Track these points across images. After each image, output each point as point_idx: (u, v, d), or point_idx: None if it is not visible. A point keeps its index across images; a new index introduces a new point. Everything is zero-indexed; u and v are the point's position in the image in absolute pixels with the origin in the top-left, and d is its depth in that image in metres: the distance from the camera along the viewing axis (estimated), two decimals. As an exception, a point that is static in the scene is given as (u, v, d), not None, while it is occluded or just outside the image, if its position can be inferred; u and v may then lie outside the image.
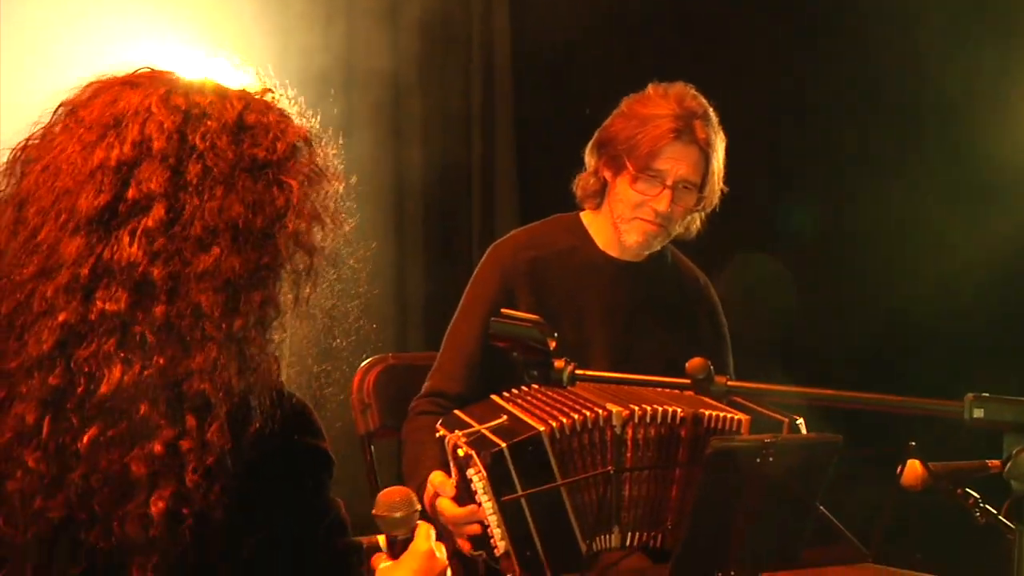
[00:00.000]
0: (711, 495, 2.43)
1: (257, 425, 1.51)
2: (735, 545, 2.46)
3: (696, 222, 3.11)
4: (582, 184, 3.11)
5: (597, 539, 2.68)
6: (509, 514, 2.60)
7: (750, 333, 3.64)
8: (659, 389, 2.74)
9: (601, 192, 3.09)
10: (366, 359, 3.23)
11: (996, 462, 2.72)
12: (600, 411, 2.66)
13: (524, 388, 2.81)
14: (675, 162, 2.96)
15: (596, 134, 3.09)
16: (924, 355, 4.45)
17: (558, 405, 2.71)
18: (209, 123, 1.59)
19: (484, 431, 2.63)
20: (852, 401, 2.03)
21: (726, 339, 3.21)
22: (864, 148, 4.69)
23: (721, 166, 3.04)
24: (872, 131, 4.71)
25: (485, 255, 3.13)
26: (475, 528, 2.66)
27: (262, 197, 1.58)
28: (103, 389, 1.48)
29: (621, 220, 3.03)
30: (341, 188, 1.68)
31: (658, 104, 2.99)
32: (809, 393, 2.09)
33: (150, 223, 1.53)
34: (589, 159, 3.10)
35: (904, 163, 4.60)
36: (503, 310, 2.27)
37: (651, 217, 2.99)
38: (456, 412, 2.78)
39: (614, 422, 2.66)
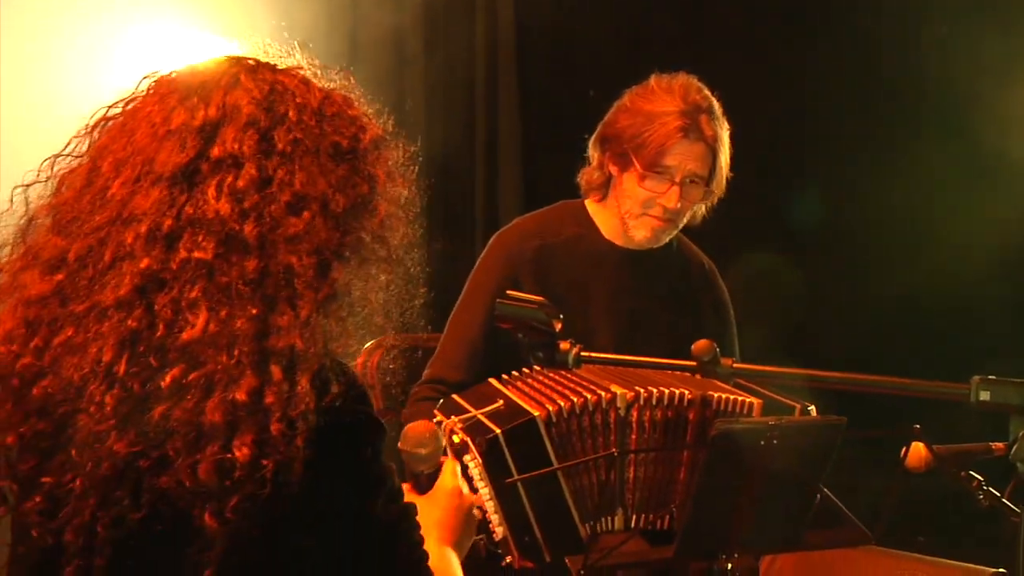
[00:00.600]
0: (715, 477, 2.43)
1: (334, 392, 1.53)
2: (738, 527, 2.46)
3: (702, 208, 3.10)
4: (587, 177, 3.10)
5: (600, 522, 2.68)
6: (506, 500, 2.59)
7: (756, 321, 3.64)
8: (667, 372, 2.73)
9: (606, 184, 3.07)
10: (369, 341, 3.22)
11: (1000, 445, 2.72)
12: (603, 393, 2.65)
13: (525, 371, 2.80)
14: (683, 158, 2.95)
15: (599, 128, 3.07)
16: (930, 342, 4.45)
17: (558, 388, 2.70)
18: (297, 99, 1.62)
19: (480, 416, 2.62)
20: (858, 383, 2.03)
21: (732, 325, 3.19)
22: (867, 136, 4.67)
23: (727, 157, 3.02)
24: (875, 119, 4.69)
25: (490, 243, 3.11)
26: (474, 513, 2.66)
27: (346, 181, 1.60)
28: (186, 335, 1.49)
29: (630, 216, 3.02)
30: (406, 192, 1.71)
31: (663, 100, 2.96)
32: (815, 376, 2.09)
33: (240, 183, 1.55)
34: (593, 152, 3.08)
35: (908, 151, 4.58)
36: (508, 292, 2.26)
37: (660, 214, 2.99)
38: (454, 397, 2.77)
39: (618, 404, 2.66)
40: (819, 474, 2.50)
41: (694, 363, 2.08)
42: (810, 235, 4.63)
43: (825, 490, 2.55)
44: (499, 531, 2.61)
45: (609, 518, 2.68)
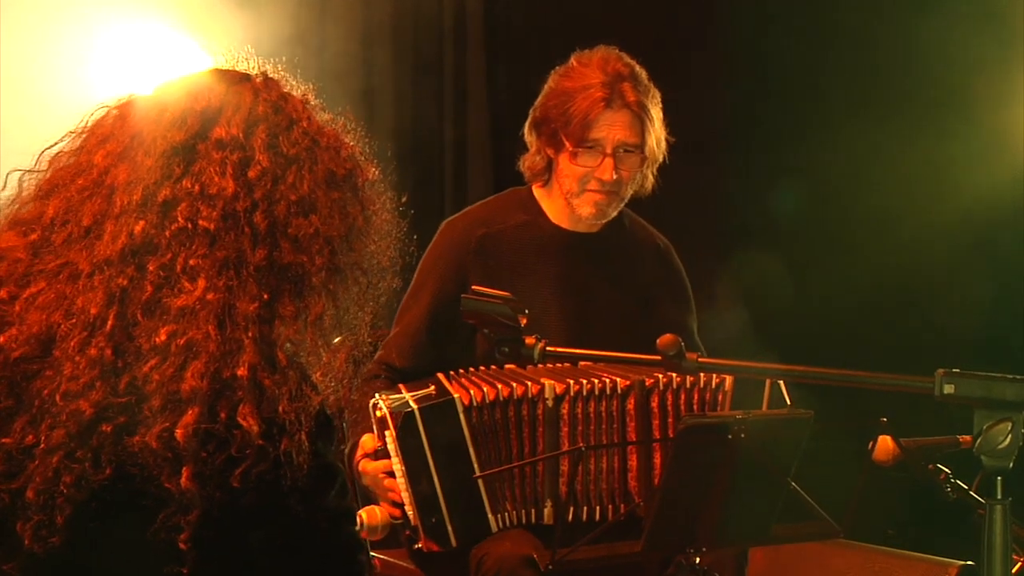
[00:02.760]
0: (682, 471, 2.42)
1: (318, 400, 1.55)
2: (706, 521, 2.46)
3: (649, 179, 3.09)
4: (528, 164, 3.10)
5: (520, 514, 2.69)
6: (416, 478, 2.62)
7: (725, 314, 3.64)
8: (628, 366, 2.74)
9: (548, 168, 3.07)
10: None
11: (967, 438, 2.72)
12: (530, 384, 2.68)
13: (471, 369, 2.82)
14: (610, 128, 2.95)
15: (531, 113, 3.08)
16: (897, 332, 4.47)
17: (492, 380, 2.72)
18: (303, 115, 1.65)
19: (408, 397, 2.66)
20: (824, 377, 2.03)
21: (690, 304, 3.19)
22: (838, 128, 4.67)
23: (659, 122, 3.02)
24: (844, 111, 4.70)
25: (439, 230, 3.12)
26: (393, 484, 2.69)
27: (342, 206, 1.64)
28: (182, 299, 1.50)
29: (571, 195, 3.02)
30: (395, 232, 1.76)
31: (583, 75, 2.97)
32: (782, 370, 2.09)
33: (251, 173, 1.57)
34: (529, 138, 3.09)
35: (877, 144, 4.59)
36: (474, 287, 2.26)
37: (599, 187, 2.98)
38: (400, 385, 2.79)
39: (546, 395, 2.68)
40: (787, 468, 2.50)
41: (659, 357, 2.06)
42: (779, 228, 4.63)
43: (793, 484, 2.55)
44: (410, 511, 2.64)
45: (532, 511, 2.70)
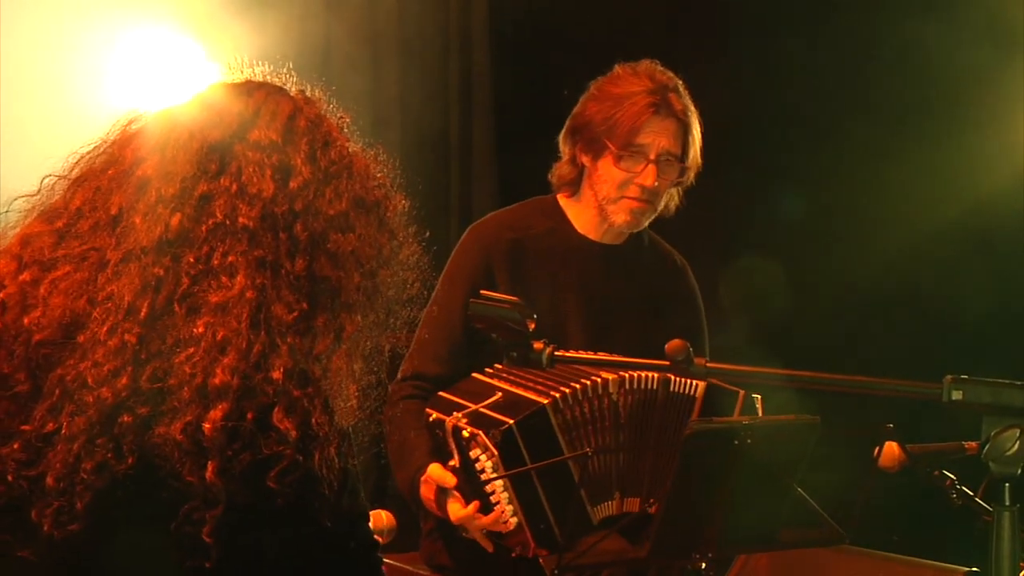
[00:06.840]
0: (689, 477, 2.43)
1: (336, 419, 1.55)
2: (713, 527, 2.47)
3: (674, 199, 3.11)
4: (559, 172, 3.10)
5: (601, 506, 2.72)
6: (522, 489, 2.61)
7: (733, 318, 3.63)
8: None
9: (578, 180, 3.08)
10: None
11: (973, 444, 2.73)
12: (598, 379, 2.70)
13: (498, 366, 2.80)
14: (656, 135, 2.97)
15: (568, 121, 3.08)
16: (900, 337, 4.47)
17: (544, 379, 2.72)
18: (339, 137, 1.66)
19: (482, 410, 2.64)
20: (831, 383, 2.03)
21: (703, 322, 3.21)
22: (843, 132, 4.68)
23: (699, 134, 3.04)
24: (849, 114, 4.71)
25: (465, 234, 3.11)
26: (486, 520, 2.68)
27: (371, 232, 1.63)
28: (219, 295, 1.50)
29: (607, 202, 3.01)
30: (419, 263, 1.75)
31: (630, 82, 2.99)
32: (789, 375, 2.09)
33: (293, 184, 1.57)
34: (564, 147, 3.09)
35: (883, 148, 4.59)
36: (482, 291, 2.26)
37: (638, 194, 2.99)
38: (442, 394, 2.77)
39: (611, 389, 2.70)
40: (794, 473, 2.51)
41: (668, 362, 2.07)
42: (786, 232, 4.64)
43: (799, 489, 2.55)
44: (512, 522, 2.64)
45: (608, 503, 2.73)
